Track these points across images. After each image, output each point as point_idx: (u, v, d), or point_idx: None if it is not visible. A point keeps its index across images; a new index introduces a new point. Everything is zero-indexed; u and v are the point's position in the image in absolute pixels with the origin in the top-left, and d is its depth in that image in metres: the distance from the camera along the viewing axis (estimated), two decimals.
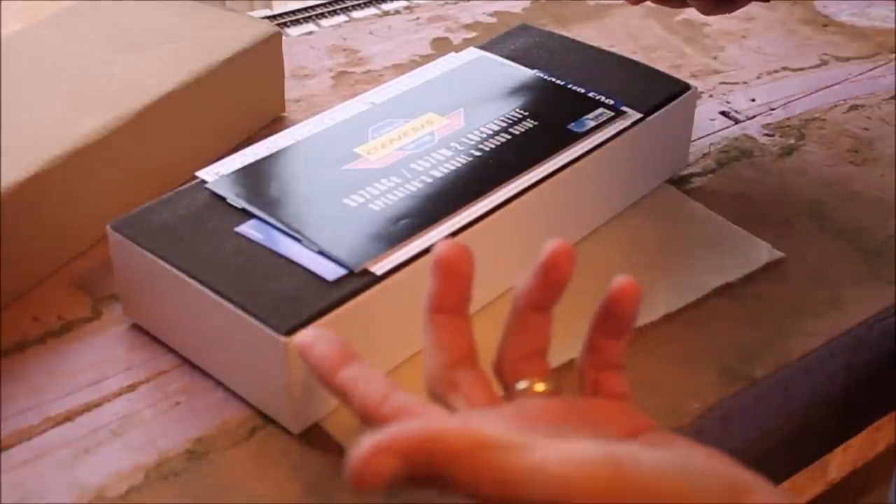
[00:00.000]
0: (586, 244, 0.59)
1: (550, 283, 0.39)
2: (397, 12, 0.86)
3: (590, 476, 0.32)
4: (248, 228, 0.51)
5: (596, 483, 0.32)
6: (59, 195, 0.55)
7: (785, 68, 0.79)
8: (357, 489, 0.33)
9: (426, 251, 0.50)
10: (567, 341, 0.53)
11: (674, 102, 0.62)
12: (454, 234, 0.51)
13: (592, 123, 0.59)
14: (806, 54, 0.81)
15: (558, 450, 0.33)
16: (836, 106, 0.74)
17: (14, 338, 0.53)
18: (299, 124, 0.58)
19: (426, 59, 0.78)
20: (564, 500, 0.32)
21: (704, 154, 0.68)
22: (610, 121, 0.59)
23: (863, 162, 0.68)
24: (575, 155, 0.56)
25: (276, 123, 0.70)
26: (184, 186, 0.54)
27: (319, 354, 0.41)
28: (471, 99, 0.60)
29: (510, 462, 0.33)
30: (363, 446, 0.33)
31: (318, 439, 0.47)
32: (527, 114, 0.59)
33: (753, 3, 0.63)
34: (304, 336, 0.42)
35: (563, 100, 0.61)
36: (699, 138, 0.69)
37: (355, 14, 0.85)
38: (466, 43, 0.80)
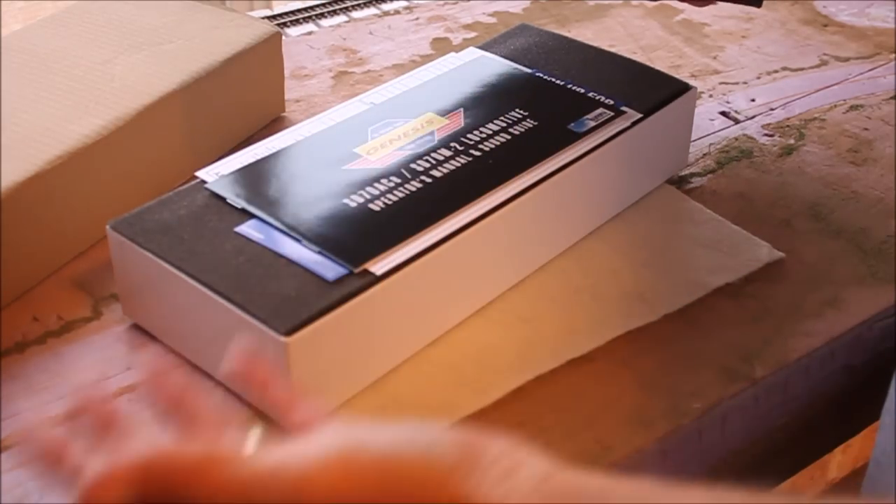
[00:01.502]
0: (586, 244, 0.59)
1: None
2: (397, 12, 0.86)
3: (324, 469, 0.33)
4: (248, 228, 0.50)
5: (331, 474, 0.33)
6: (59, 195, 0.55)
7: (785, 68, 0.79)
8: None
9: (426, 251, 0.50)
10: (569, 339, 0.53)
11: (674, 102, 0.62)
12: (454, 234, 0.51)
13: (592, 123, 0.59)
14: (806, 54, 0.81)
15: (294, 449, 0.34)
16: (835, 106, 0.74)
17: (14, 338, 0.52)
18: (299, 124, 0.58)
19: (426, 59, 0.78)
20: (306, 497, 0.32)
21: (704, 154, 0.68)
22: (610, 121, 0.59)
23: (863, 162, 0.68)
24: (575, 155, 0.56)
25: (276, 123, 0.70)
26: (184, 186, 0.54)
27: None
28: (471, 99, 0.60)
29: (246, 470, 0.33)
30: (88, 476, 0.33)
31: None
32: (526, 114, 0.59)
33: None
34: None
35: (563, 100, 0.61)
36: (699, 138, 0.69)
37: (355, 14, 0.85)
38: (466, 43, 0.80)
